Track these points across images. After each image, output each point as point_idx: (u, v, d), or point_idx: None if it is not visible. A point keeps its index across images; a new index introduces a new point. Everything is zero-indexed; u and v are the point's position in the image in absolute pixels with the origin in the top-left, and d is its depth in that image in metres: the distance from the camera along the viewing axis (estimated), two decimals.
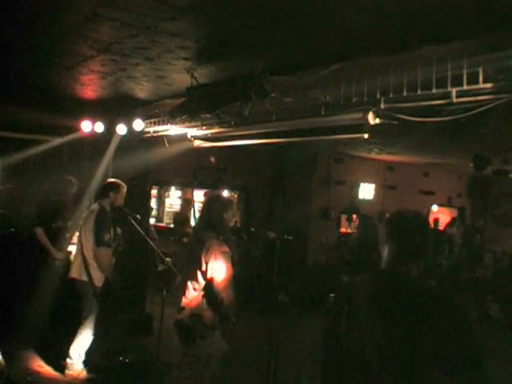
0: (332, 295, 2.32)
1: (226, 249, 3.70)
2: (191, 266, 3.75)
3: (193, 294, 3.73)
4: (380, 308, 2.00)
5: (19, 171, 7.01)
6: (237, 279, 3.82)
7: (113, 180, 5.30)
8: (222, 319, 3.72)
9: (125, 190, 5.21)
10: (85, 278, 4.87)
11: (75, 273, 4.95)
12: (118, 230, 5.24)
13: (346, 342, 2.04)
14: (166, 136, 6.19)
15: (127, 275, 6.50)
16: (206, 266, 3.63)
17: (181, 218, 9.49)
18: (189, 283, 3.76)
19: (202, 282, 3.68)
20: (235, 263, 3.79)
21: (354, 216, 11.03)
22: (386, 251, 2.17)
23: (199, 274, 3.68)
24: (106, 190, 5.15)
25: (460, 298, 9.44)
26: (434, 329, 1.90)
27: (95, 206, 5.08)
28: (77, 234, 5.30)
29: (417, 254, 2.11)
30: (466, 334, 1.92)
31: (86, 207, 5.74)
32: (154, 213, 10.03)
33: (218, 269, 3.61)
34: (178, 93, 5.25)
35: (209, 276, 3.63)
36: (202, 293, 3.68)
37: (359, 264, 9.12)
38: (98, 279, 4.89)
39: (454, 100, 3.27)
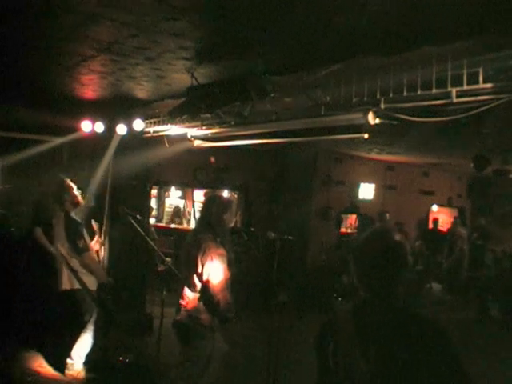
0: (340, 299, 2.22)
1: (223, 251, 3.69)
2: (188, 267, 3.75)
3: (189, 295, 3.73)
4: (364, 339, 1.90)
5: (19, 171, 7.01)
6: (236, 279, 3.82)
7: (56, 182, 5.11)
8: (220, 321, 3.71)
9: (69, 181, 5.05)
10: (78, 286, 4.84)
11: (67, 284, 4.86)
12: (94, 224, 5.15)
13: (335, 375, 1.95)
14: (166, 136, 6.18)
15: (127, 275, 6.50)
16: (202, 268, 3.63)
17: None
18: (186, 285, 3.76)
19: (199, 284, 3.67)
20: (232, 264, 3.79)
21: (354, 217, 11.04)
22: (357, 282, 2.00)
23: (195, 276, 3.67)
24: (57, 195, 4.97)
25: (460, 299, 9.47)
26: (415, 356, 1.80)
27: (59, 213, 4.94)
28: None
29: (398, 281, 1.94)
30: (453, 362, 1.82)
31: (85, 207, 5.68)
32: (153, 213, 10.04)
33: (213, 271, 3.60)
34: (178, 93, 5.25)
35: (204, 278, 3.62)
36: (198, 295, 3.68)
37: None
38: (91, 283, 4.86)
39: (454, 100, 3.27)
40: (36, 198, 6.18)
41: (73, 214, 4.95)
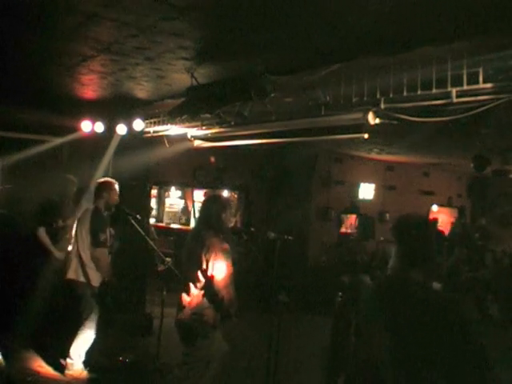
0: (340, 294, 2.36)
1: (227, 246, 3.71)
2: (191, 265, 3.76)
3: (193, 293, 3.74)
4: (388, 314, 2.03)
5: (19, 171, 7.01)
6: (237, 279, 3.83)
7: (104, 179, 5.26)
8: (224, 317, 3.72)
9: (117, 187, 5.17)
10: (82, 278, 4.86)
11: (72, 274, 4.93)
12: (111, 230, 5.22)
13: (353, 348, 2.09)
14: (166, 136, 6.18)
15: (127, 275, 6.50)
16: (207, 265, 3.64)
17: None
18: (189, 282, 3.77)
19: (203, 281, 3.68)
20: (234, 262, 3.80)
21: (354, 217, 11.03)
22: (392, 256, 2.20)
23: (200, 272, 3.68)
24: (98, 190, 5.12)
25: (460, 298, 9.46)
26: (439, 334, 1.92)
27: (89, 207, 5.07)
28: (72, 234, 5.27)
29: (424, 257, 2.15)
30: (474, 339, 1.94)
31: (85, 207, 5.71)
32: (153, 213, 10.03)
33: (218, 266, 3.62)
34: (178, 93, 5.25)
35: (209, 274, 3.63)
36: (202, 292, 3.69)
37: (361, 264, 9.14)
38: (96, 279, 4.88)
39: (454, 100, 3.27)
40: (42, 198, 6.18)
41: (103, 213, 5.03)
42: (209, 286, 3.65)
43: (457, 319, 1.95)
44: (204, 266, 3.65)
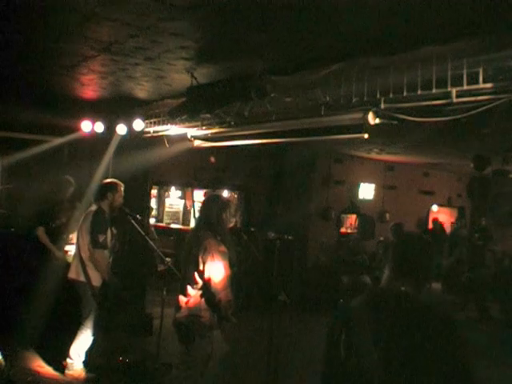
0: (341, 301, 2.32)
1: (224, 248, 3.71)
2: (189, 265, 3.76)
3: (191, 293, 3.74)
4: (379, 328, 1.99)
5: (19, 171, 7.02)
6: (236, 279, 3.83)
7: (109, 180, 5.25)
8: (221, 319, 3.72)
9: (122, 188, 5.17)
10: (82, 278, 4.86)
11: (73, 273, 4.95)
12: (114, 230, 5.22)
13: (345, 365, 2.03)
14: (166, 136, 6.19)
15: (127, 275, 6.50)
16: (204, 266, 3.64)
17: None
18: (187, 283, 3.77)
19: (200, 282, 3.68)
20: (233, 263, 3.80)
21: (354, 217, 11.03)
22: (387, 271, 2.18)
23: (197, 273, 3.68)
24: (103, 190, 5.11)
25: (460, 299, 9.47)
26: (430, 348, 1.89)
27: (93, 208, 5.07)
28: (75, 234, 5.28)
29: (419, 275, 2.14)
30: (464, 354, 1.92)
31: (85, 207, 5.72)
32: (154, 213, 10.04)
33: (215, 268, 3.61)
34: (178, 93, 5.25)
35: (206, 276, 3.63)
36: (199, 293, 3.69)
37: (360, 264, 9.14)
38: (96, 279, 4.88)
39: (454, 100, 3.27)
40: (40, 199, 6.19)
41: (106, 214, 5.00)
42: (206, 287, 3.65)
43: (444, 337, 1.93)
44: (201, 268, 3.66)
